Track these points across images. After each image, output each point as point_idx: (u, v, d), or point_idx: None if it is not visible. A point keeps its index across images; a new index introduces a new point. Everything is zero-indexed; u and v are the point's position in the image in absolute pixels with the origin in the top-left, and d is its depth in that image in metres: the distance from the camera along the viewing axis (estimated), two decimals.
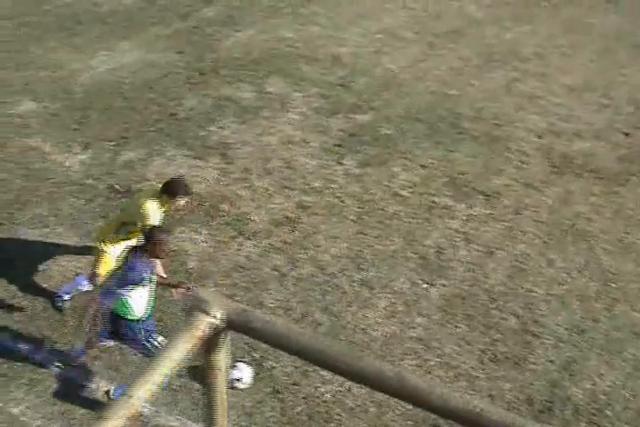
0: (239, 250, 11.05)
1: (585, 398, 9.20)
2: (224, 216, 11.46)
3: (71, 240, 11.04)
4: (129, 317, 8.25)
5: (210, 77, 15.34)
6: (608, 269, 11.21)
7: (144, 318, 8.35)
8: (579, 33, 17.99)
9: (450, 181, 12.66)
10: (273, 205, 11.95)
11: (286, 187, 12.35)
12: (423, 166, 12.99)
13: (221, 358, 4.40)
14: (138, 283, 8.12)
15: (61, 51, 16.17)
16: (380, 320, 10.01)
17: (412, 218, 11.83)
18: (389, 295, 10.38)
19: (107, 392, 8.88)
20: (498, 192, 12.48)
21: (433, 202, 12.19)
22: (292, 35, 17.13)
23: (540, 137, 13.99)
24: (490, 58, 16.57)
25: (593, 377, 9.46)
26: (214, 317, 4.10)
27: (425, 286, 10.56)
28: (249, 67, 15.76)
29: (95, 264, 9.38)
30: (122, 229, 9.23)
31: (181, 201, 9.27)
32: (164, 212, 9.22)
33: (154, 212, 9.03)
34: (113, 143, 13.16)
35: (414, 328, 9.93)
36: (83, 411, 8.68)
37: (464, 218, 11.91)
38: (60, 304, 9.96)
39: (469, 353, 9.65)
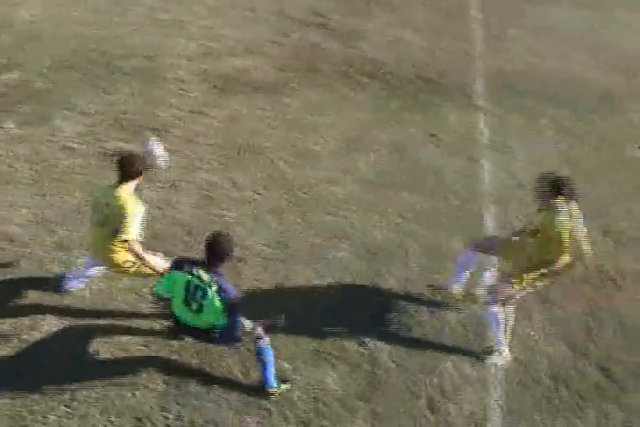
0: None
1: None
2: None
3: None
4: None
5: None
6: (292, 179, 11.44)
7: None
8: None
9: (116, 124, 12.37)
10: None
11: None
12: (85, 114, 12.58)
13: None
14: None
15: None
16: None
17: (87, 168, 11.49)
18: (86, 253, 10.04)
19: None
20: (166, 125, 12.34)
21: (103, 148, 11.88)
22: None
23: (194, 61, 13.89)
24: None
25: (306, 285, 9.66)
26: None
27: None
28: None
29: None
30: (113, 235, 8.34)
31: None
32: None
33: (135, 203, 8.35)
34: None
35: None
36: None
37: None
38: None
39: None
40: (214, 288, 7.78)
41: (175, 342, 8.56)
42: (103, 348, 8.47)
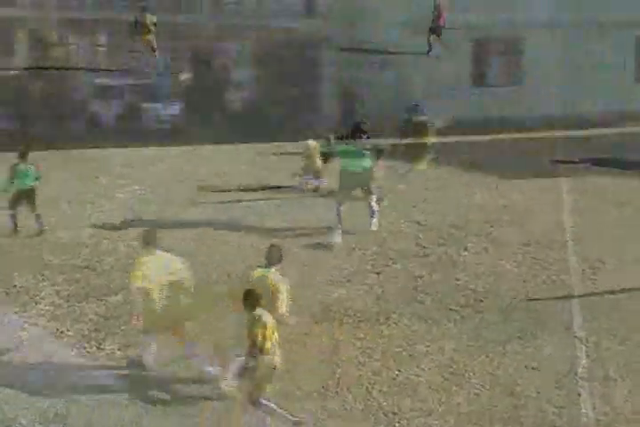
0: None
1: None
2: None
3: None
4: None
5: None
6: (390, 411, 11.33)
7: None
8: None
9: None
10: (40, 404, 11.30)
11: (51, 384, 11.80)
12: None
13: None
14: None
15: None
16: None
17: None
18: None
19: None
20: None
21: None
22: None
23: (294, 290, 14.02)
24: None
25: None
26: None
27: None
28: None
29: None
30: None
31: None
32: None
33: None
34: None
35: None
36: None
37: None
38: None
39: None
40: None
41: None
42: None
